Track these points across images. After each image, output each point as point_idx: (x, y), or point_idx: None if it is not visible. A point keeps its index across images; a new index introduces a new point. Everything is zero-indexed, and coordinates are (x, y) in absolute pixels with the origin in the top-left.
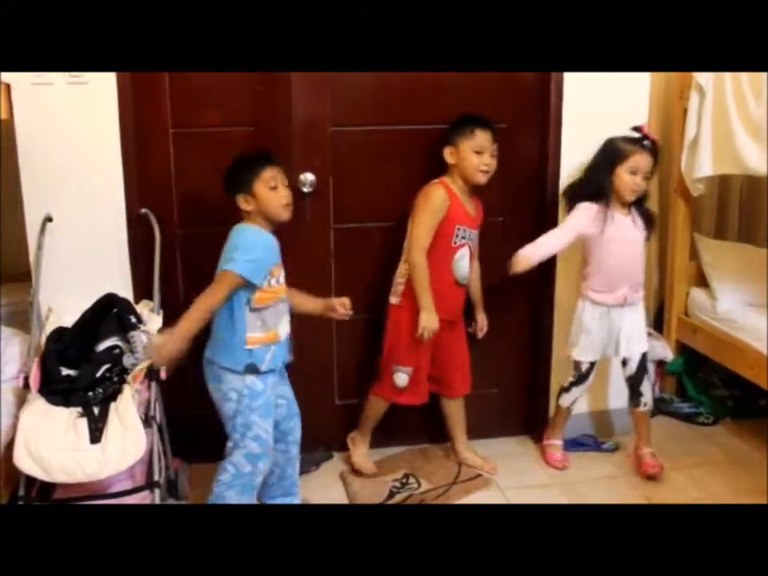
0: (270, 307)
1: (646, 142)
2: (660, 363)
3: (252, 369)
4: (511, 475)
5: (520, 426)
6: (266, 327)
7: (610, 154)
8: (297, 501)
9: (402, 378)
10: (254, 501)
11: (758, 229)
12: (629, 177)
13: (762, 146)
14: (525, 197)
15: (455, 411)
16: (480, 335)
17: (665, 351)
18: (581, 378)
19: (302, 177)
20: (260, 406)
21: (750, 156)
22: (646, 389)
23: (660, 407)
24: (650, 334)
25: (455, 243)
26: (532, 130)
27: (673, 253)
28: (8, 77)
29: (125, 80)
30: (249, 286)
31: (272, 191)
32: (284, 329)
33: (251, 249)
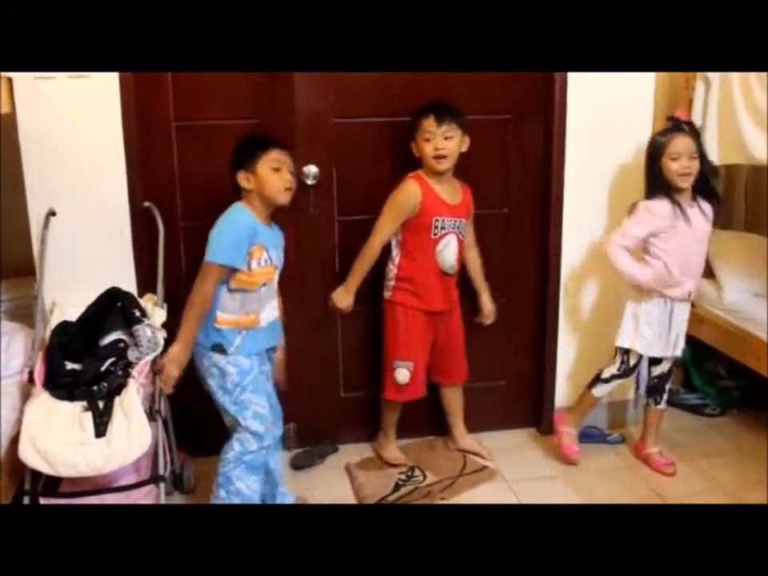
0: (251, 291)
1: (681, 126)
2: None
3: (218, 349)
4: (517, 467)
5: (527, 418)
6: (244, 310)
7: (652, 150)
8: (289, 497)
9: (403, 374)
10: (260, 481)
11: (764, 219)
12: (673, 163)
13: None
14: (529, 188)
15: (454, 399)
16: (487, 322)
17: None
18: (627, 371)
19: (305, 169)
20: (250, 383)
21: (756, 146)
22: (668, 387)
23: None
24: None
25: (435, 234)
26: (536, 121)
27: None
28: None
29: (127, 74)
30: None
31: (274, 172)
32: (267, 315)
33: (226, 231)
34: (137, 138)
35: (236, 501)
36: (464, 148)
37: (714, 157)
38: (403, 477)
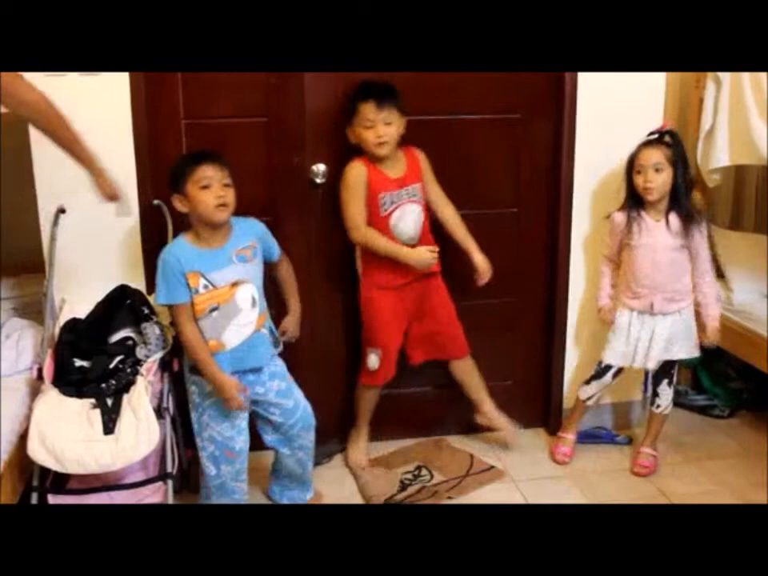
0: (203, 319)
1: (654, 138)
2: None
3: (195, 371)
4: (525, 467)
5: (534, 418)
6: (205, 337)
7: (628, 162)
8: (309, 493)
9: (372, 360)
10: (240, 501)
11: None
12: (637, 177)
13: None
14: (539, 187)
15: (465, 374)
16: (483, 281)
17: None
18: (598, 373)
19: (314, 167)
20: (209, 407)
21: (767, 146)
22: (665, 391)
23: (675, 399)
24: None
25: (385, 211)
26: (546, 120)
27: None
28: None
29: (137, 72)
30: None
31: (203, 191)
32: (231, 337)
33: (159, 272)
34: (147, 135)
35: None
36: (402, 130)
37: (724, 157)
38: (410, 476)
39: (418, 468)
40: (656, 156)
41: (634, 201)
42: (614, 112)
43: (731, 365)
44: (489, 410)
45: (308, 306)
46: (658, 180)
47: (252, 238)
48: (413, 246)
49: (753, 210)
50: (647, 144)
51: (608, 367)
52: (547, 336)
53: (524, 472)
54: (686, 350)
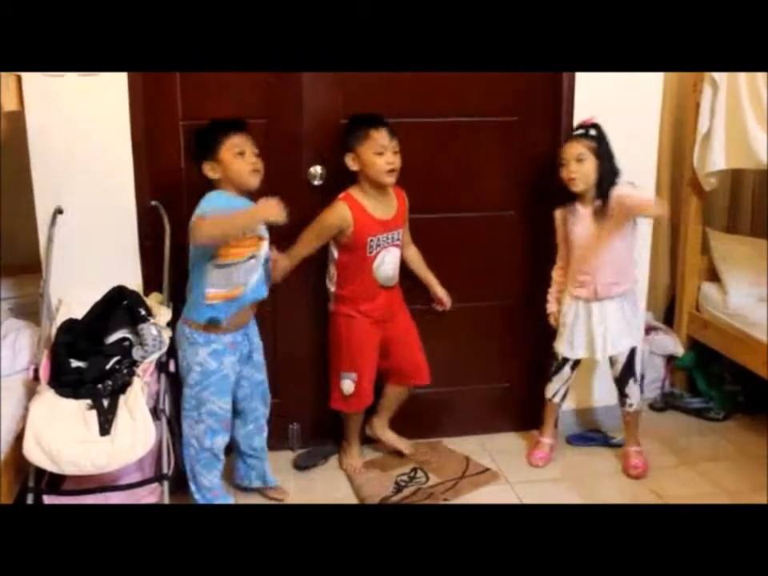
0: (241, 262)
1: (577, 132)
2: (671, 358)
3: (213, 323)
4: (520, 469)
5: (530, 420)
6: (231, 284)
7: (557, 158)
8: (272, 482)
9: (347, 385)
10: (219, 476)
11: None
12: (562, 169)
13: None
14: (536, 190)
15: (393, 395)
16: (443, 309)
17: (675, 346)
18: (557, 368)
19: (311, 170)
20: (212, 384)
21: (763, 150)
22: (632, 390)
23: (671, 402)
24: (660, 329)
25: (370, 253)
26: (543, 123)
27: (684, 247)
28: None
29: (135, 73)
30: None
31: (238, 157)
32: (252, 283)
33: (210, 200)
34: (144, 136)
35: (207, 495)
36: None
37: (720, 161)
38: (406, 478)
39: (414, 470)
40: (578, 148)
41: (566, 194)
42: (612, 116)
43: (727, 368)
44: (378, 426)
45: (304, 308)
46: (580, 170)
47: None
48: (388, 289)
49: (749, 214)
50: (571, 138)
51: (565, 360)
52: (544, 338)
53: (519, 474)
54: (629, 338)
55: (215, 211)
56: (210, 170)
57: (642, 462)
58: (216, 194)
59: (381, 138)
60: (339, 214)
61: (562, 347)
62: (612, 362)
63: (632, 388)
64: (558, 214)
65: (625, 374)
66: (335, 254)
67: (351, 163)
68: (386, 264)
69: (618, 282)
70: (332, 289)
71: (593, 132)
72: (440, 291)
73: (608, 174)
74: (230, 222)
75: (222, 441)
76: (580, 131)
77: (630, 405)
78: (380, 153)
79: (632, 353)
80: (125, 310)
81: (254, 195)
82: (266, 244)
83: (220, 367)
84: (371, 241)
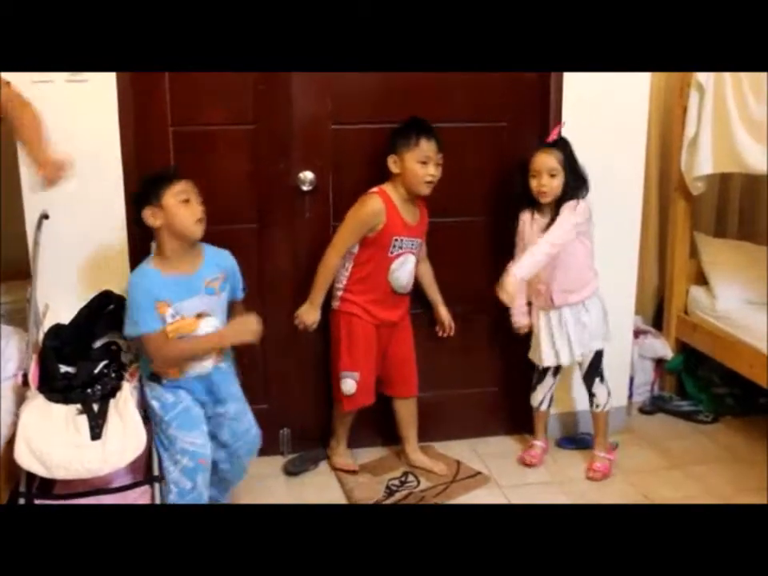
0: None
1: (547, 144)
2: (659, 361)
3: (155, 378)
4: (511, 473)
5: (521, 424)
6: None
7: (521, 167)
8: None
9: (349, 384)
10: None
11: (758, 227)
12: (532, 180)
13: (762, 144)
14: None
15: (406, 412)
16: (445, 334)
17: (664, 349)
18: (539, 378)
19: (301, 175)
20: (174, 418)
21: (750, 154)
22: (599, 390)
23: (660, 405)
24: (649, 332)
25: (392, 253)
26: (532, 128)
27: (672, 251)
28: (8, 74)
29: (125, 78)
30: None
31: (183, 204)
32: (196, 365)
33: (131, 301)
34: (134, 142)
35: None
36: None
37: (708, 165)
38: (397, 482)
39: (405, 474)
40: (550, 161)
41: (529, 203)
42: (599, 121)
43: (715, 371)
44: (411, 452)
45: (293, 315)
46: (552, 184)
47: (222, 270)
48: (400, 295)
49: (736, 218)
50: (543, 150)
51: (545, 369)
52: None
53: (510, 478)
54: (592, 342)
55: (151, 309)
56: (150, 217)
57: (605, 467)
58: (138, 275)
59: (429, 149)
60: (375, 207)
61: (533, 356)
62: (578, 363)
63: (599, 388)
64: (520, 221)
65: (590, 375)
66: (355, 249)
67: (393, 165)
68: (403, 270)
69: (573, 290)
70: (340, 286)
71: (562, 144)
72: (443, 312)
73: (570, 188)
74: (195, 348)
75: (202, 479)
76: (552, 141)
77: (597, 405)
78: (424, 162)
79: (598, 354)
80: (111, 314)
81: (242, 211)
82: (206, 323)
83: (177, 400)
84: (396, 240)
